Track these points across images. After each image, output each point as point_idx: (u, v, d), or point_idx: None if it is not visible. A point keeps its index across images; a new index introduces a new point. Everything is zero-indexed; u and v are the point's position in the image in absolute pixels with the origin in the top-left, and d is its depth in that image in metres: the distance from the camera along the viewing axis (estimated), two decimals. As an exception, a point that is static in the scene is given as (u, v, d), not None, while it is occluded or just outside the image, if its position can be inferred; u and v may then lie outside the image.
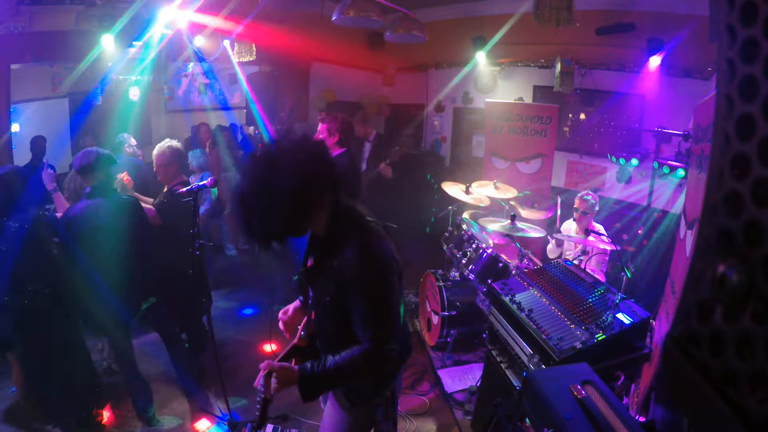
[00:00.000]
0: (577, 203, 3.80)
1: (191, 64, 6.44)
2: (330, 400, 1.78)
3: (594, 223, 3.76)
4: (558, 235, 3.85)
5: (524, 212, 4.43)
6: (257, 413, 1.51)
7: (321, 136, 3.53)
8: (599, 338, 2.09)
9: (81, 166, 2.69)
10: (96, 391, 2.96)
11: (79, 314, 2.82)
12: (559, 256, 3.82)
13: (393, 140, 6.09)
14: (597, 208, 3.80)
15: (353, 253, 1.46)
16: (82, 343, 2.89)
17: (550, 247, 3.98)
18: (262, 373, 1.49)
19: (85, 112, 5.68)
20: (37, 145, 5.05)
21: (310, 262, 1.65)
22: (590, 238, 3.44)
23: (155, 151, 3.24)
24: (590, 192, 3.91)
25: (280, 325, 1.86)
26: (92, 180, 2.72)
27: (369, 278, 1.46)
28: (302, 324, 1.78)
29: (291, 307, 1.88)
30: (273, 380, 1.47)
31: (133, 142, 4.59)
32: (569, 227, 3.92)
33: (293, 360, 1.76)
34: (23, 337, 2.63)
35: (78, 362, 2.84)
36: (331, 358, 1.49)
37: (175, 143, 3.29)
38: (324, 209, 1.52)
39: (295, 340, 1.80)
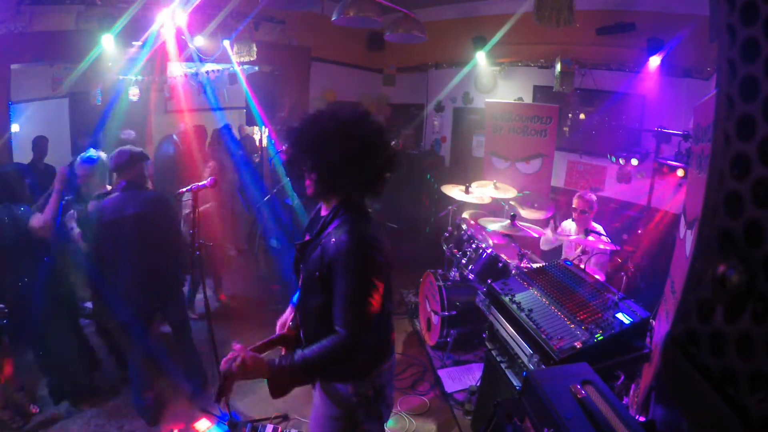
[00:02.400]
0: (575, 203, 3.80)
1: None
2: (314, 400, 1.78)
3: (593, 223, 3.76)
4: (558, 235, 3.85)
5: (524, 212, 4.44)
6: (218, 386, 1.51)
7: None
8: (599, 338, 2.09)
9: (117, 164, 2.85)
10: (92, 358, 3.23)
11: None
12: (553, 249, 3.82)
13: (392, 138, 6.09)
14: (595, 207, 3.80)
15: (353, 235, 1.49)
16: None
17: (544, 239, 3.95)
18: (231, 355, 1.48)
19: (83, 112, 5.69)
20: (39, 145, 5.06)
21: (307, 237, 1.69)
22: (590, 238, 3.44)
23: (77, 161, 3.14)
24: (588, 191, 3.90)
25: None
26: (127, 176, 2.86)
27: (362, 262, 1.50)
28: (291, 315, 1.80)
29: (287, 318, 1.90)
30: (236, 363, 1.46)
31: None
32: (569, 227, 3.92)
33: (282, 350, 1.79)
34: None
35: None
36: (300, 351, 1.50)
37: (96, 154, 3.16)
38: (342, 192, 1.59)
39: (284, 330, 1.81)
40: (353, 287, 1.49)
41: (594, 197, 3.81)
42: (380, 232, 1.62)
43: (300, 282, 1.71)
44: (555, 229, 3.89)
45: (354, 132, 1.51)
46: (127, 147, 2.93)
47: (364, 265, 1.50)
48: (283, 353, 1.71)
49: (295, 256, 1.74)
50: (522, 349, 2.32)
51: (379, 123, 1.61)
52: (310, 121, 1.56)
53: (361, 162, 1.52)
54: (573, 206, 3.82)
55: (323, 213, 1.66)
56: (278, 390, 1.51)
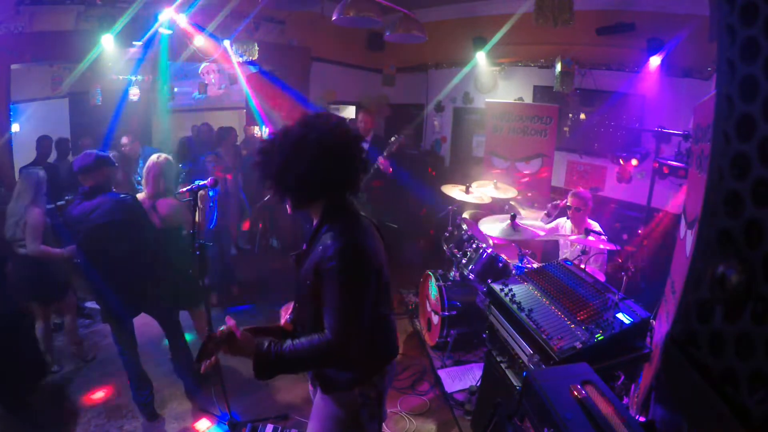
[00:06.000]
0: (570, 200, 3.79)
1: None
2: (316, 399, 1.79)
3: (590, 221, 3.75)
4: (558, 236, 3.84)
5: (524, 212, 4.43)
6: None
7: (362, 125, 3.71)
8: (599, 338, 2.09)
9: (81, 166, 2.77)
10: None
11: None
12: (554, 249, 3.83)
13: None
14: (590, 204, 3.79)
15: (337, 242, 1.49)
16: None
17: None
18: (225, 327, 1.52)
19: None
20: (44, 144, 5.08)
21: (304, 247, 1.69)
22: (590, 237, 3.44)
23: None
24: (581, 188, 3.91)
25: (282, 322, 1.87)
26: (90, 180, 2.78)
27: (346, 270, 1.48)
28: (290, 309, 1.81)
29: (290, 309, 1.89)
30: (221, 330, 1.53)
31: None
32: (564, 225, 3.91)
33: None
34: None
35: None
36: (290, 342, 1.51)
37: None
38: (328, 198, 1.58)
39: (282, 322, 1.82)
40: (339, 295, 1.48)
41: (588, 194, 3.80)
42: (370, 234, 1.60)
43: (295, 294, 1.73)
44: (549, 216, 3.93)
45: (311, 143, 1.48)
46: (94, 150, 2.87)
47: (351, 273, 1.49)
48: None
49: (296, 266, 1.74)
50: (522, 349, 2.32)
51: (340, 129, 1.56)
52: (267, 145, 1.57)
53: (323, 169, 1.49)
54: (567, 204, 3.82)
55: (315, 222, 1.65)
56: (261, 372, 1.50)
